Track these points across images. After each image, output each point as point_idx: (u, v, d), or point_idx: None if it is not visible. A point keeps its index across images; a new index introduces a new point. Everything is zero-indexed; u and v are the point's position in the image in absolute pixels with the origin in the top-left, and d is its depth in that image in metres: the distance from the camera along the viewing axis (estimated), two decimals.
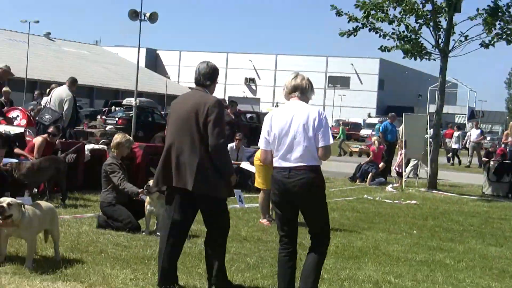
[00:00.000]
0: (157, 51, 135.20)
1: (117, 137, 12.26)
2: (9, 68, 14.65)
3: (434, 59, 23.40)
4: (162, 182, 8.29)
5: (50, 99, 19.39)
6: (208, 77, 8.25)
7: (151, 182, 11.53)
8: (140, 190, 11.56)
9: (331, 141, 7.51)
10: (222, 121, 7.98)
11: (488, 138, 65.50)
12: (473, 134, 40.63)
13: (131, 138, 12.38)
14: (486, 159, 29.23)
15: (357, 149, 45.19)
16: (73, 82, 19.67)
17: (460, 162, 41.46)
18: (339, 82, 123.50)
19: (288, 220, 7.68)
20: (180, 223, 8.17)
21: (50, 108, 19.09)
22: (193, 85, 8.40)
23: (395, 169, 25.57)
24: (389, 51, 23.58)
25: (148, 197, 11.58)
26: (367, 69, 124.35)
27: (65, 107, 18.98)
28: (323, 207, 7.62)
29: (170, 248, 8.09)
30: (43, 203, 9.49)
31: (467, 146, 41.57)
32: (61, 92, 19.25)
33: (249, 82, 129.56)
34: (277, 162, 7.58)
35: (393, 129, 27.68)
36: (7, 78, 13.42)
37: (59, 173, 14.25)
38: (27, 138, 16.46)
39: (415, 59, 23.39)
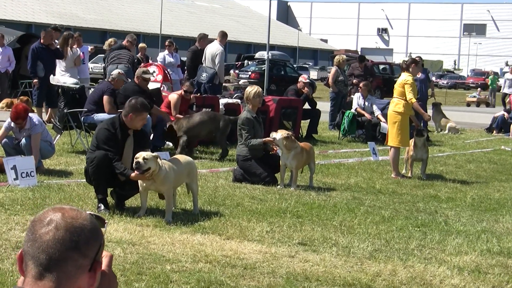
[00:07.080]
0: (288, 3, 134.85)
1: (247, 90, 12.41)
2: (124, 75, 14.74)
3: None
4: None
5: (205, 57, 19.38)
6: None
7: (274, 134, 11.60)
8: (264, 140, 11.76)
9: None
10: None
11: None
12: None
13: (259, 88, 12.41)
14: None
15: (474, 99, 43.36)
16: (223, 36, 19.51)
17: None
18: (474, 30, 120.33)
19: None
20: None
21: (206, 66, 19.15)
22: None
23: None
24: None
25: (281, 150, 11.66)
26: (505, 15, 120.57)
27: (216, 61, 18.93)
28: None
29: None
30: (181, 157, 9.71)
31: None
32: (212, 48, 19.16)
33: (382, 32, 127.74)
34: None
35: None
36: (120, 86, 13.71)
37: (218, 130, 14.34)
38: (163, 94, 16.81)
39: None
